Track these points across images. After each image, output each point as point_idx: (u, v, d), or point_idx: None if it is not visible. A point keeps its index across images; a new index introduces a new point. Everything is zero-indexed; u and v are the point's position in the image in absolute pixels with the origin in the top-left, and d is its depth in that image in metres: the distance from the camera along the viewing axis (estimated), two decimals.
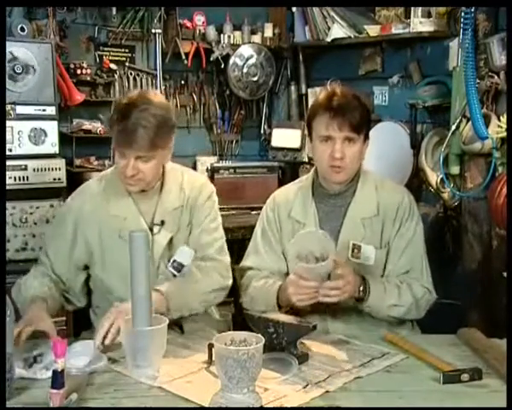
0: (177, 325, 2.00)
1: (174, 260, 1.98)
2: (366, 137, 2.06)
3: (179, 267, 1.97)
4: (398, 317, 2.00)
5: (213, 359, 1.59)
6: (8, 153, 2.86)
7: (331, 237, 2.01)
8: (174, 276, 1.98)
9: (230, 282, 2.15)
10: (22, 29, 3.13)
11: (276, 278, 2.05)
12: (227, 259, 2.16)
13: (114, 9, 3.41)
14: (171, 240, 2.07)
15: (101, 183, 2.15)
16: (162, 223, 2.07)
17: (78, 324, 2.17)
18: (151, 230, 2.05)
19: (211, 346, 1.64)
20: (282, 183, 3.68)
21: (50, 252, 2.09)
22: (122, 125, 1.93)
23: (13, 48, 2.88)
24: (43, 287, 1.99)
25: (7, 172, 2.84)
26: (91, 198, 2.11)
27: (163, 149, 2.00)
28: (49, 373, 1.46)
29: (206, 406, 1.43)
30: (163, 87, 3.66)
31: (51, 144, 2.96)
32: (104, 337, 1.75)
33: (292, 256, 1.86)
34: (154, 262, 2.03)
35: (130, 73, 3.61)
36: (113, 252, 2.05)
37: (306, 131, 2.15)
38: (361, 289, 1.91)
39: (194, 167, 3.78)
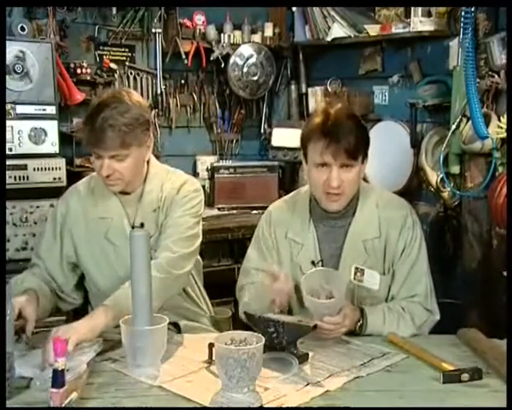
0: (173, 325, 1.99)
1: None
2: (364, 158, 1.96)
3: None
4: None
5: (214, 358, 1.59)
6: (8, 152, 2.86)
7: (332, 258, 1.99)
8: None
9: (180, 272, 2.01)
10: (22, 28, 3.13)
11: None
12: (183, 251, 2.02)
13: (114, 9, 3.41)
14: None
15: (89, 184, 2.16)
16: (142, 225, 2.06)
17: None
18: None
19: (211, 345, 1.64)
20: (282, 182, 3.71)
21: (42, 253, 2.10)
22: (90, 125, 1.94)
23: (13, 47, 2.88)
24: (37, 283, 1.99)
25: (7, 172, 2.84)
26: (79, 200, 2.13)
27: (138, 146, 1.99)
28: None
29: (207, 405, 1.43)
30: (163, 87, 3.67)
31: (51, 144, 2.96)
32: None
33: (303, 291, 1.77)
34: None
35: (131, 73, 3.62)
36: (99, 254, 2.07)
37: (300, 151, 2.02)
38: (359, 324, 1.86)
39: (195, 167, 3.79)
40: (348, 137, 1.87)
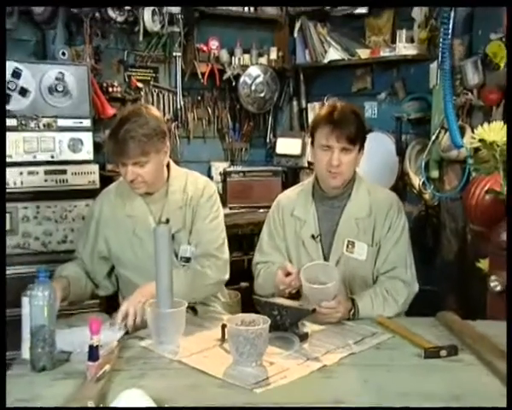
0: (191, 308, 1.99)
1: (182, 257, 2.03)
2: (361, 147, 2.04)
3: (184, 260, 2.04)
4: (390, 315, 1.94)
5: (226, 337, 1.60)
6: (50, 159, 2.87)
7: (329, 233, 2.03)
8: (183, 266, 2.03)
9: (227, 276, 2.12)
10: (63, 53, 3.15)
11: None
12: (226, 256, 2.12)
13: (141, 36, 3.42)
14: (173, 236, 2.00)
15: (118, 188, 2.16)
16: (167, 221, 2.05)
17: (110, 305, 2.18)
18: None
19: (224, 326, 1.64)
20: (284, 185, 3.69)
21: (79, 247, 2.13)
22: (114, 138, 1.95)
23: (55, 69, 2.89)
24: (73, 271, 2.03)
25: (49, 176, 2.86)
26: (109, 201, 2.13)
27: (156, 153, 1.99)
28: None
29: (220, 377, 1.43)
30: (182, 102, 3.67)
31: (87, 152, 2.96)
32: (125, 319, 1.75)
33: (302, 279, 1.79)
34: None
35: (154, 91, 3.62)
36: (128, 248, 2.07)
37: (309, 140, 2.14)
38: (351, 313, 1.86)
39: (209, 171, 3.79)
40: (350, 125, 1.97)
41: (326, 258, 2.03)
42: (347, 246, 2.01)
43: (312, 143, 2.08)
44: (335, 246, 2.03)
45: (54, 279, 1.85)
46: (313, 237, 2.05)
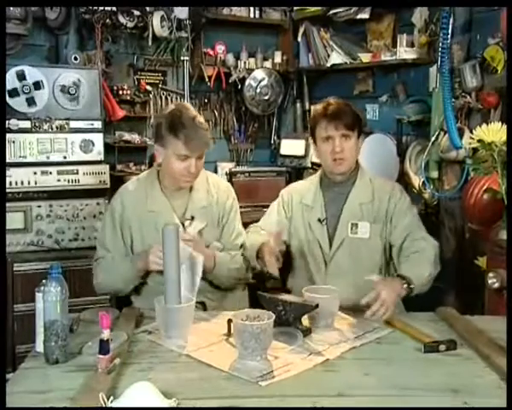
0: (200, 303, 2.00)
1: None
2: (359, 134, 2.11)
3: None
4: (433, 275, 1.97)
5: (232, 332, 1.60)
6: (62, 160, 2.89)
7: (334, 217, 2.11)
8: None
9: (250, 276, 2.17)
10: (75, 58, 3.17)
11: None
12: None
13: (150, 41, 3.43)
14: (200, 232, 2.05)
15: (138, 184, 2.12)
16: (192, 218, 2.05)
17: (119, 301, 2.17)
18: (182, 224, 2.02)
19: (230, 321, 1.64)
20: (288, 184, 3.69)
21: (107, 244, 2.06)
22: (189, 131, 1.92)
23: (67, 73, 2.91)
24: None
25: (62, 176, 2.87)
26: (130, 197, 2.09)
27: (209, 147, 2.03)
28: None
29: (226, 370, 1.43)
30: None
31: (98, 153, 2.98)
32: None
33: (303, 291, 1.77)
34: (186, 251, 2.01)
35: (163, 94, 3.63)
36: (150, 242, 2.03)
37: (311, 140, 2.20)
38: (404, 286, 1.81)
39: (216, 172, 3.79)
40: (345, 114, 2.06)
41: (331, 239, 2.09)
42: (351, 228, 2.08)
43: (314, 140, 2.14)
44: (340, 229, 2.09)
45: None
46: (319, 220, 2.12)
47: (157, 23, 3.38)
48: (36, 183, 2.83)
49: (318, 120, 2.09)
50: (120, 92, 3.37)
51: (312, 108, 3.90)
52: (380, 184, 2.16)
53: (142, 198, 2.08)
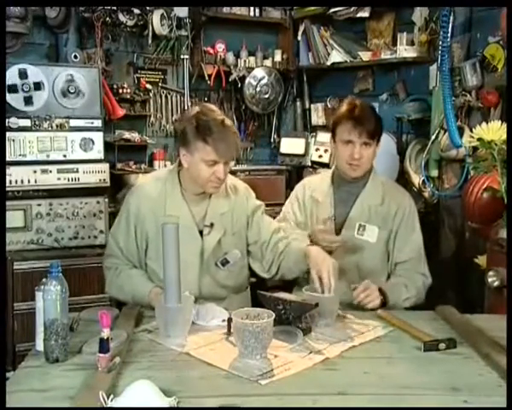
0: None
1: (224, 258, 1.99)
2: (378, 141, 2.12)
3: (224, 263, 2.00)
4: (410, 305, 2.00)
5: (232, 330, 1.60)
6: (62, 158, 2.89)
7: (341, 215, 2.13)
8: (220, 268, 2.00)
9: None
10: (75, 56, 3.17)
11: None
12: None
13: (150, 39, 3.43)
14: (219, 241, 1.99)
15: (157, 184, 2.01)
16: (211, 225, 1.98)
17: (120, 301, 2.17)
18: (201, 231, 1.97)
19: (230, 320, 1.64)
20: (288, 183, 3.69)
21: (120, 242, 2.01)
22: (218, 136, 1.83)
23: (67, 71, 2.91)
24: (140, 274, 2.00)
25: (61, 175, 2.88)
26: (148, 199, 1.99)
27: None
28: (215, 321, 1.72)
29: (226, 369, 1.43)
30: (189, 103, 3.68)
31: (98, 151, 2.98)
32: None
33: (303, 290, 1.81)
34: (204, 259, 1.98)
35: (163, 92, 3.63)
36: None
37: (330, 135, 2.19)
38: (380, 299, 1.90)
39: None
40: (370, 121, 2.05)
41: None
42: (358, 229, 2.09)
43: (334, 138, 2.14)
44: (347, 228, 2.10)
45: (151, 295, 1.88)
46: (328, 217, 2.14)
47: (157, 21, 3.38)
48: (36, 181, 2.83)
49: (342, 120, 2.08)
50: (120, 91, 3.37)
51: (312, 107, 3.91)
52: (391, 190, 2.17)
53: (160, 201, 1.98)
